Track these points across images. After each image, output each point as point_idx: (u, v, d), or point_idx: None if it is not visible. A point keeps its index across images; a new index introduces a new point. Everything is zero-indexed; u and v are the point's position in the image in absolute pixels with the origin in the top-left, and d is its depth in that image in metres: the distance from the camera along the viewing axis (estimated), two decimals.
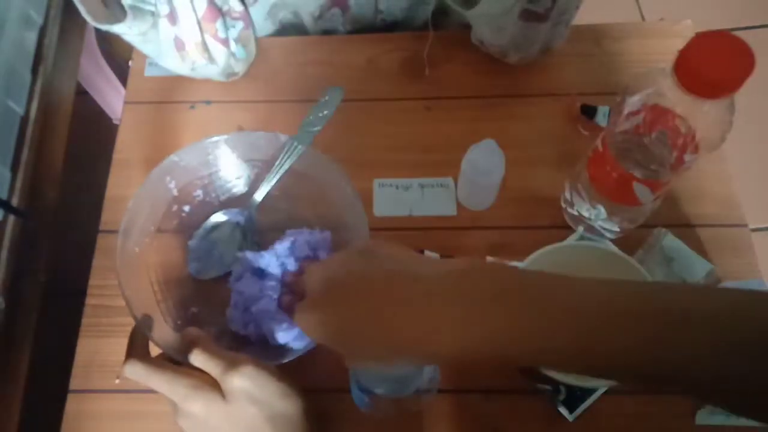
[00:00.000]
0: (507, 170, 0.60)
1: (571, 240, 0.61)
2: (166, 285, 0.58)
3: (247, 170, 0.63)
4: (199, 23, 0.64)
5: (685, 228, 0.63)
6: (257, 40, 0.74)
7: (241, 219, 0.62)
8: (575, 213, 0.62)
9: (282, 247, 0.54)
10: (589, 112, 0.69)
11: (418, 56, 0.73)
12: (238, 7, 0.68)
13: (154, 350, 0.49)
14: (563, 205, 0.64)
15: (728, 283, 0.60)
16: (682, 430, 0.56)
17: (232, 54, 0.69)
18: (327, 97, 0.63)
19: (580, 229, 0.62)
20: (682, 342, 0.33)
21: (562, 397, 0.55)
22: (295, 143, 0.60)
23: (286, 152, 0.60)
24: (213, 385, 0.45)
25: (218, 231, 0.62)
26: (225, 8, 0.67)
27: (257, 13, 0.74)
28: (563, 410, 0.55)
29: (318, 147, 0.61)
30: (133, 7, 0.59)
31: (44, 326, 0.75)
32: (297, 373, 0.48)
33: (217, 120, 0.72)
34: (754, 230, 0.75)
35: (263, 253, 0.55)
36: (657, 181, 0.52)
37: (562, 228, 0.64)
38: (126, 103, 0.74)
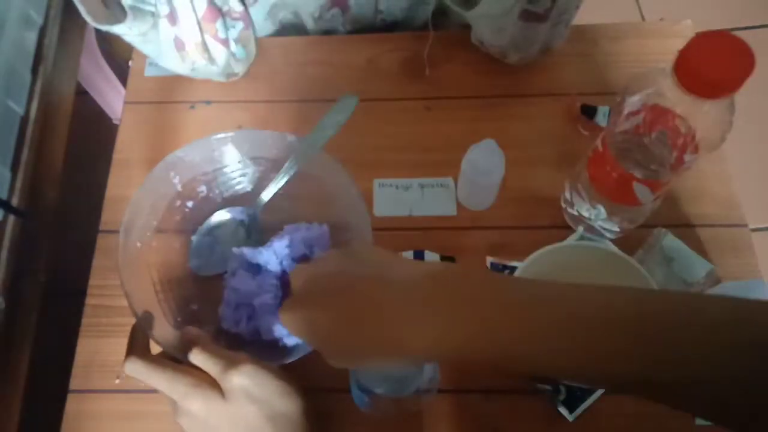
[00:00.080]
0: (507, 170, 0.60)
1: (571, 240, 0.61)
2: (167, 282, 0.58)
3: (251, 168, 0.63)
4: (199, 23, 0.64)
5: (685, 228, 0.63)
6: (257, 40, 0.74)
7: (245, 218, 0.62)
8: (575, 213, 0.62)
9: (280, 244, 0.55)
10: (589, 112, 0.69)
11: (418, 56, 0.73)
12: (238, 8, 0.68)
13: (155, 348, 0.49)
14: (563, 205, 0.64)
15: (728, 283, 0.60)
16: (682, 430, 0.56)
17: (232, 54, 0.69)
18: (341, 103, 0.63)
19: (580, 229, 0.62)
20: (672, 347, 0.33)
21: (562, 397, 0.55)
22: (307, 146, 0.60)
23: (297, 155, 0.59)
24: (212, 384, 0.45)
25: (221, 229, 0.62)
26: (225, 8, 0.67)
27: (257, 13, 0.74)
28: (563, 410, 0.55)
29: None
30: (133, 8, 0.59)
31: (44, 326, 0.75)
32: (297, 372, 0.48)
33: (217, 120, 0.72)
34: (754, 230, 0.75)
35: (261, 249, 0.55)
36: (657, 181, 0.52)
37: (562, 228, 0.64)
38: (126, 103, 0.74)
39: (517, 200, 0.66)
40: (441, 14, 0.74)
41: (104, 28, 0.58)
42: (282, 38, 0.78)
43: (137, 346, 0.48)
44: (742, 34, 0.43)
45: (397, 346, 0.38)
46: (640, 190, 0.54)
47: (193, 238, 0.61)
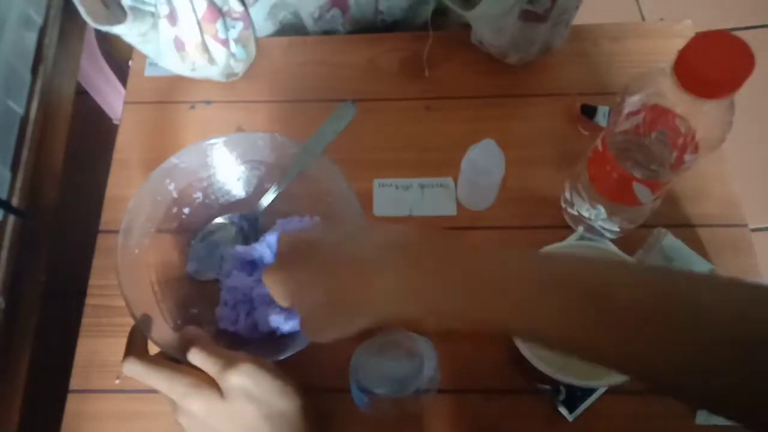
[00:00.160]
0: (507, 170, 0.60)
1: (571, 240, 0.61)
2: (166, 285, 0.58)
3: (246, 172, 0.63)
4: (199, 24, 0.64)
5: (685, 228, 0.63)
6: (257, 40, 0.74)
7: (245, 223, 0.62)
8: (575, 213, 0.62)
9: (273, 237, 0.55)
10: (589, 112, 0.69)
11: (418, 56, 0.73)
12: (238, 8, 0.68)
13: (153, 349, 0.49)
14: (563, 205, 0.64)
15: None
16: (682, 430, 0.56)
17: (232, 54, 0.69)
18: (340, 110, 0.64)
19: (580, 229, 0.62)
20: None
21: (562, 397, 0.55)
22: (306, 154, 0.60)
23: (296, 163, 0.60)
24: (211, 383, 0.45)
25: (221, 233, 0.62)
26: (225, 9, 0.67)
27: (257, 13, 0.74)
28: (563, 410, 0.55)
29: None
30: (133, 8, 0.59)
31: (44, 326, 0.75)
32: (296, 372, 0.48)
33: (217, 120, 0.72)
34: (754, 230, 0.75)
35: (255, 245, 0.55)
36: (657, 181, 0.52)
37: (562, 228, 0.64)
38: (126, 103, 0.74)
39: (517, 200, 0.66)
40: (441, 14, 0.74)
41: (104, 28, 0.58)
42: (282, 38, 0.77)
43: (136, 347, 0.48)
44: (742, 34, 0.42)
45: (368, 299, 0.40)
46: (640, 190, 0.54)
47: (193, 242, 0.61)
